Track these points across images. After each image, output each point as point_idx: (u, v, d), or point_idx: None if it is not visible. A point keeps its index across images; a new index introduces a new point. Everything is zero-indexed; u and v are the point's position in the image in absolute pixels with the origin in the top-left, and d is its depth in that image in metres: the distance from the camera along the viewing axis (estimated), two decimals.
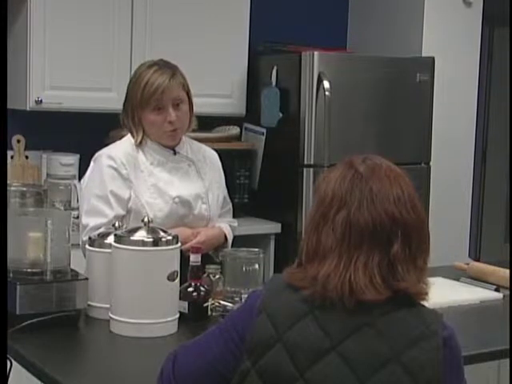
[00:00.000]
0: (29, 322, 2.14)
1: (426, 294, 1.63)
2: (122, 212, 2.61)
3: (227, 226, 2.84)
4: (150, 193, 2.65)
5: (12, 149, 3.96)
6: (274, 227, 4.18)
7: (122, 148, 2.69)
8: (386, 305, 1.58)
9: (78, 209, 2.95)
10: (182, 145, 2.76)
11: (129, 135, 2.73)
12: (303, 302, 1.60)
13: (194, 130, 2.83)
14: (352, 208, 1.59)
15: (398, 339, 1.56)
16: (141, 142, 2.68)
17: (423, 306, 1.63)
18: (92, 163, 2.72)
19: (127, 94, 2.70)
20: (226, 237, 2.80)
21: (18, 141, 3.99)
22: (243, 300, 2.33)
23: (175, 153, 2.73)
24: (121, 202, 2.61)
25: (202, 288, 2.36)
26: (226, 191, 2.90)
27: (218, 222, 2.82)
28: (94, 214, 2.59)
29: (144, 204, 2.63)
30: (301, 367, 1.56)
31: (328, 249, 1.60)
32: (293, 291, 1.62)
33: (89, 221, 2.59)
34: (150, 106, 2.62)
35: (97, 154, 2.72)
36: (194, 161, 2.77)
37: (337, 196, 1.62)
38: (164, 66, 2.67)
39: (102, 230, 2.49)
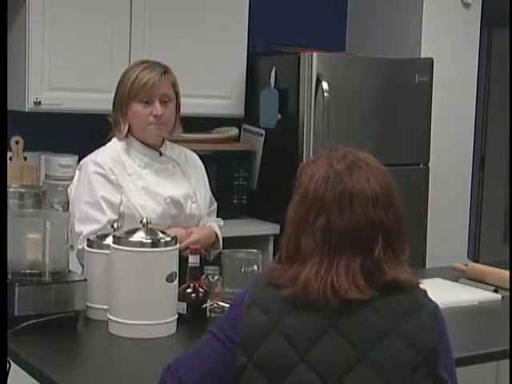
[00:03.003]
0: (27, 323, 2.14)
1: (418, 282, 1.64)
2: (114, 217, 2.59)
3: (215, 225, 2.85)
4: (141, 195, 2.65)
5: (11, 150, 3.96)
6: (272, 228, 4.17)
7: (107, 154, 2.67)
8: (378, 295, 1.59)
9: None
10: (165, 147, 2.75)
11: (113, 140, 2.71)
12: (285, 301, 1.60)
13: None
14: (331, 214, 1.60)
15: (392, 313, 1.58)
16: (126, 136, 2.67)
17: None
18: (78, 172, 2.70)
19: (116, 90, 2.70)
20: (216, 235, 2.81)
21: (17, 142, 3.98)
22: None
23: (161, 154, 2.73)
24: (113, 207, 2.60)
25: (200, 289, 2.35)
26: (210, 191, 2.89)
27: (207, 221, 2.83)
28: (87, 221, 2.57)
29: (137, 207, 2.62)
30: (301, 350, 1.57)
31: (308, 253, 1.61)
32: (275, 288, 1.63)
33: (82, 228, 2.56)
34: (138, 97, 2.62)
35: (82, 162, 2.71)
36: (178, 162, 2.78)
37: (317, 199, 1.63)
38: (156, 64, 2.69)
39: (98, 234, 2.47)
